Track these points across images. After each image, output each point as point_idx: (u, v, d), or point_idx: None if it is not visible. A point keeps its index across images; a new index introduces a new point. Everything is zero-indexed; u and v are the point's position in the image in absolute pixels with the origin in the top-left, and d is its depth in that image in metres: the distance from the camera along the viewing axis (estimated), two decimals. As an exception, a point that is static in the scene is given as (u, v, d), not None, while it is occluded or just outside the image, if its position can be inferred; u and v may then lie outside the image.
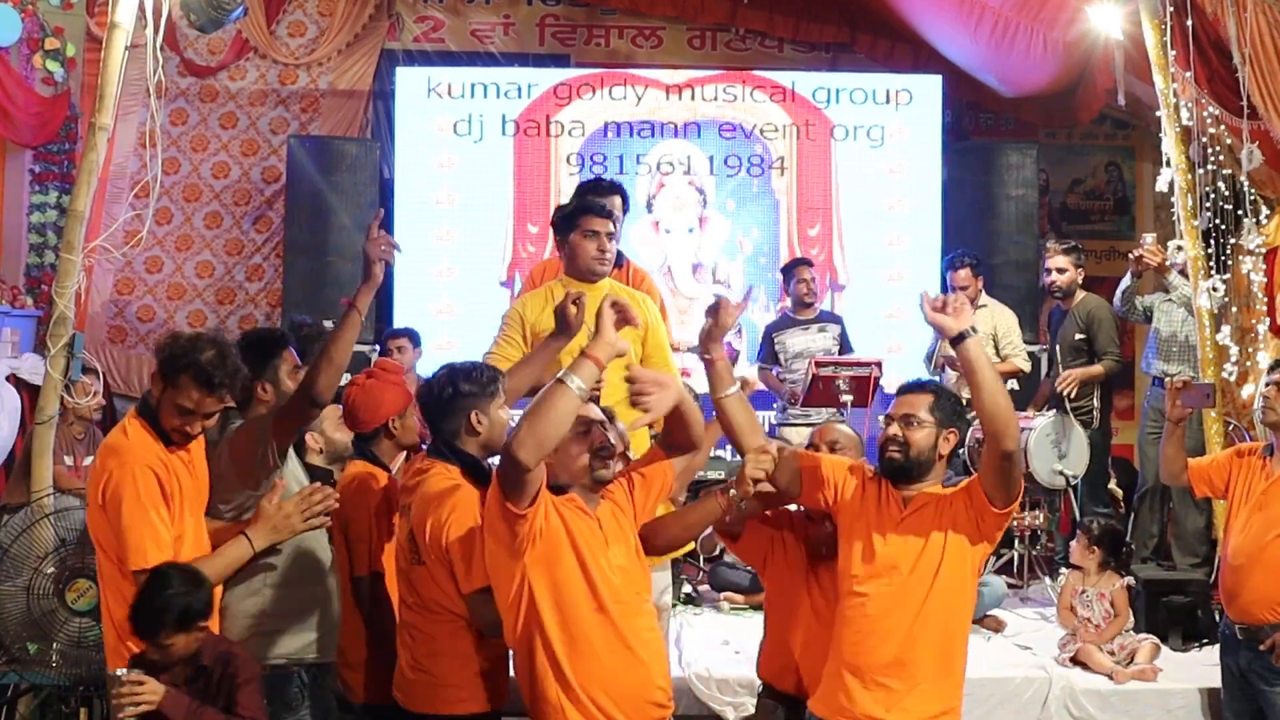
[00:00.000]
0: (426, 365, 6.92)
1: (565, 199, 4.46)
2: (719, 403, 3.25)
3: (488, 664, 3.17)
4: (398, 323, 7.58)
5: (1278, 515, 3.96)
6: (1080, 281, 6.39)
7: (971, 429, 5.63)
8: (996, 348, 6.57)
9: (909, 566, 3.04)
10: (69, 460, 6.20)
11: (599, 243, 4.10)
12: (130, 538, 3.08)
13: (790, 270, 7.04)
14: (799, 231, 8.16)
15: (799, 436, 6.00)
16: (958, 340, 2.97)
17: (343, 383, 3.51)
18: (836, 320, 7.05)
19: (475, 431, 3.18)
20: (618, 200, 4.52)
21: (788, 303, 7.12)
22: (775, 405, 6.98)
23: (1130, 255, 5.89)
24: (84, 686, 4.27)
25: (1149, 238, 5.82)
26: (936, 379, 6.76)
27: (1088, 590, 4.97)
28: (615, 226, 4.25)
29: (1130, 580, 5.08)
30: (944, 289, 6.95)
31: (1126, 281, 6.01)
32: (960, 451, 5.77)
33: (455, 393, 3.17)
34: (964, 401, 3.79)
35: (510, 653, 3.15)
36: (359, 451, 3.70)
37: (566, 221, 4.20)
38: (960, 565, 3.05)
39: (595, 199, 4.36)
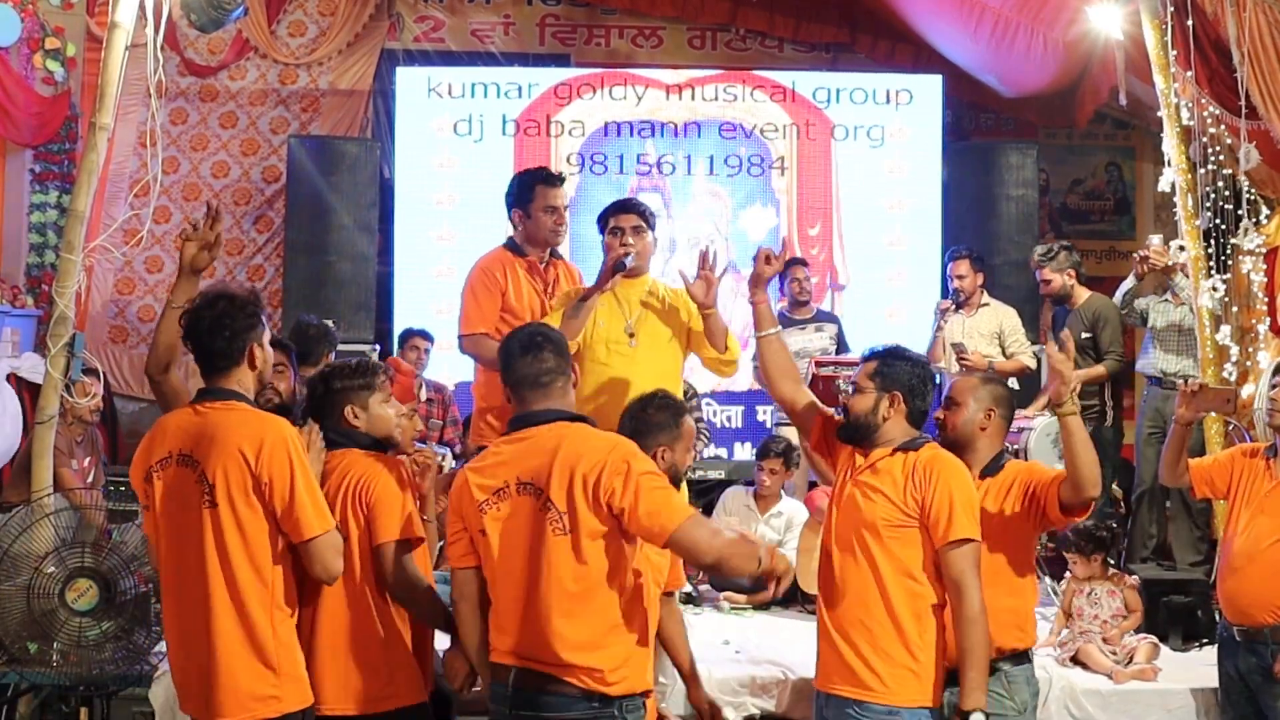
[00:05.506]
0: (429, 369, 6.92)
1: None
2: (759, 341, 3.56)
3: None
4: (398, 324, 7.58)
5: None
6: (1072, 283, 6.34)
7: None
8: (1002, 346, 6.55)
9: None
10: (75, 464, 6.16)
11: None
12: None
13: (785, 270, 7.02)
14: (799, 231, 8.16)
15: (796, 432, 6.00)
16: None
17: None
18: (834, 320, 7.04)
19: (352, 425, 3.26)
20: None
21: (785, 303, 7.11)
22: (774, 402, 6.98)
23: (1136, 255, 5.88)
24: (84, 686, 4.27)
25: (1155, 239, 5.79)
26: (936, 374, 6.76)
27: (1095, 589, 4.94)
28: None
29: (1136, 579, 5.07)
30: (944, 284, 6.95)
31: (1129, 282, 5.99)
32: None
33: (328, 389, 3.29)
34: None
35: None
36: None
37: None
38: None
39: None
